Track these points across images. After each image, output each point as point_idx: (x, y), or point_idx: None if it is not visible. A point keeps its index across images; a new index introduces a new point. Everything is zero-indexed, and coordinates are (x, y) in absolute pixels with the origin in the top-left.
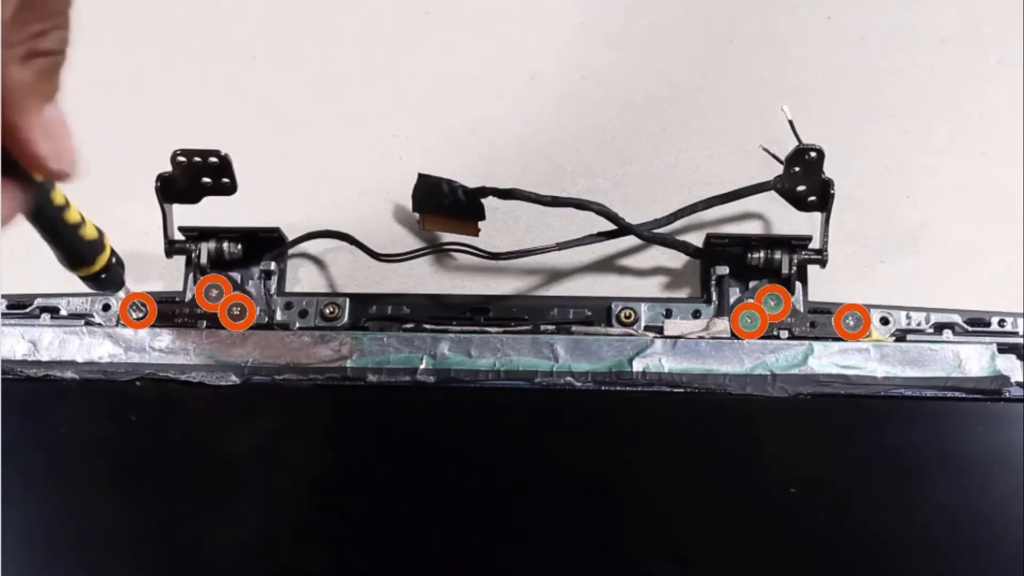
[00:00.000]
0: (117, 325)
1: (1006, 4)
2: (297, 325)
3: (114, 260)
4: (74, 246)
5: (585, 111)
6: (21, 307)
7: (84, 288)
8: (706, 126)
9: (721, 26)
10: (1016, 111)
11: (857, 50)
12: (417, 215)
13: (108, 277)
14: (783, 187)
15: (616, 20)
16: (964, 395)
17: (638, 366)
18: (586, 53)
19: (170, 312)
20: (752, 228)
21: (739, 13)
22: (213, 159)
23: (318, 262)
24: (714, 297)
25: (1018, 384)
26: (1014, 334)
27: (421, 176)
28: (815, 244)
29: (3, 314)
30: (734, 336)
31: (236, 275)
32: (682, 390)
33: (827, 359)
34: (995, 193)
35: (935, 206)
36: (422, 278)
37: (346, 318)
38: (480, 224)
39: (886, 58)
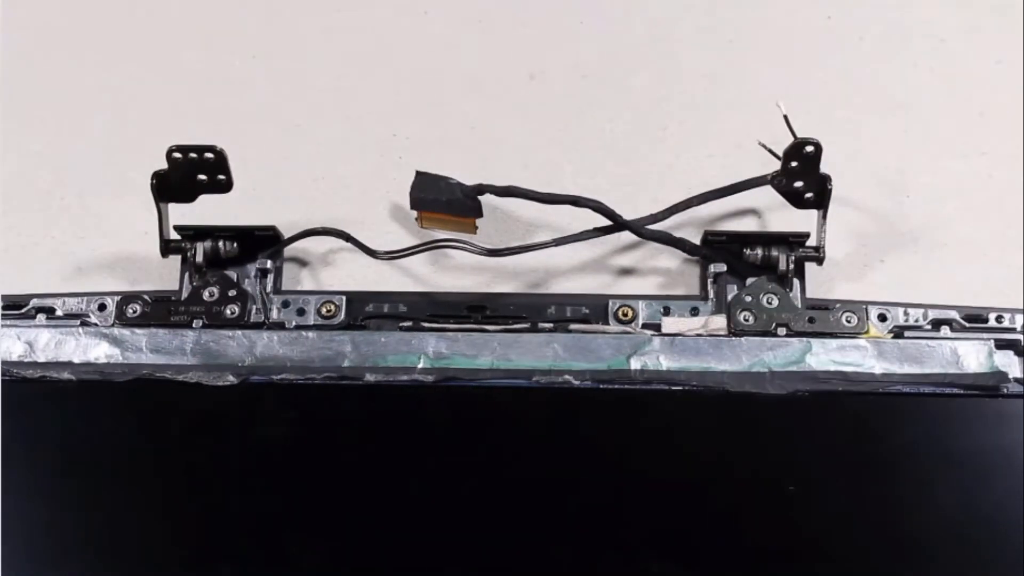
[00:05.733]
0: (113, 325)
1: (1006, 4)
2: (294, 324)
3: None
4: None
5: (585, 111)
6: (17, 307)
7: (80, 288)
8: (706, 126)
9: (721, 26)
10: (1016, 111)
11: (857, 50)
12: (415, 213)
13: None
14: (780, 183)
15: (616, 20)
16: (962, 391)
17: (636, 364)
18: (586, 53)
19: (166, 312)
20: (750, 225)
21: (739, 13)
22: (209, 155)
23: (315, 260)
24: (712, 294)
25: (1016, 380)
26: (1012, 330)
27: (419, 173)
28: (812, 241)
29: None
30: (732, 333)
31: (232, 274)
32: (680, 388)
33: (825, 356)
34: (995, 192)
35: (935, 205)
36: (419, 276)
37: (343, 316)
38: (478, 222)
39: (886, 58)
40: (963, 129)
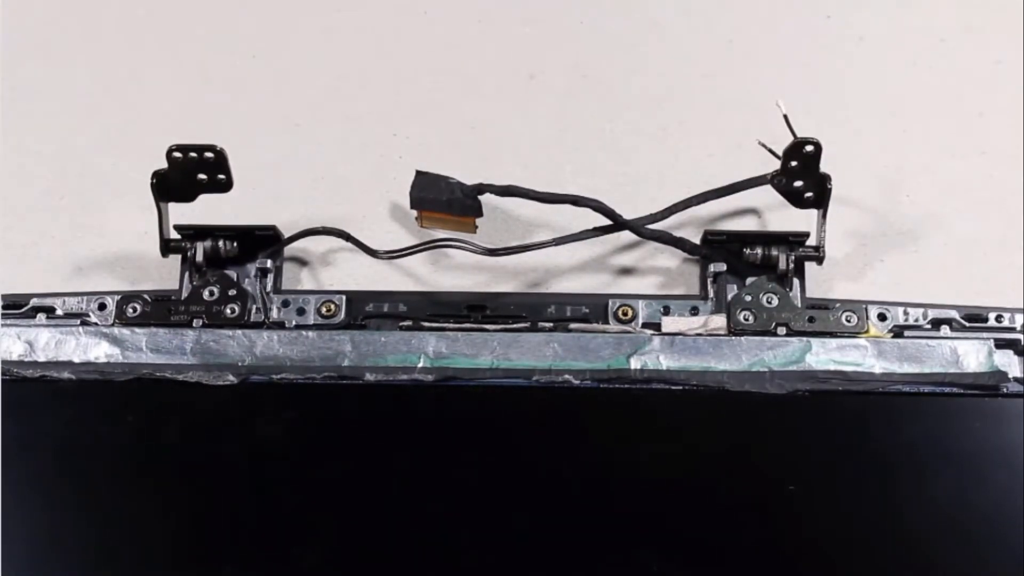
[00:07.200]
0: (113, 325)
1: (1006, 4)
2: (294, 323)
3: None
4: None
5: (585, 111)
6: (17, 307)
7: (80, 288)
8: (705, 126)
9: (721, 26)
10: (1016, 110)
11: (857, 50)
12: (415, 213)
13: None
14: (780, 183)
15: (616, 20)
16: (962, 391)
17: (636, 363)
18: (586, 53)
19: (166, 311)
20: (750, 225)
21: (739, 13)
22: (209, 154)
23: (315, 260)
24: (711, 294)
25: (1015, 379)
26: (1011, 329)
27: (419, 173)
28: (812, 241)
29: None
30: (732, 333)
31: (232, 273)
32: (680, 387)
33: (825, 355)
34: (994, 191)
35: (935, 205)
36: (419, 276)
37: (343, 316)
38: (478, 222)
39: (886, 58)
40: (963, 129)
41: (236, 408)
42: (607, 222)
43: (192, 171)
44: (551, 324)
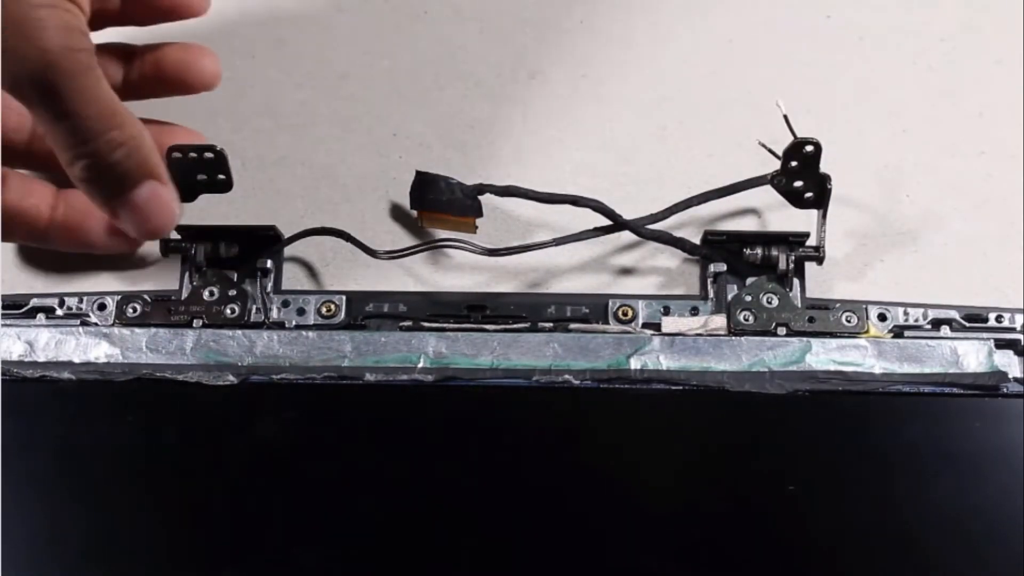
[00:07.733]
0: (113, 325)
1: (1006, 4)
2: (294, 323)
3: None
4: None
5: (585, 111)
6: (17, 307)
7: (79, 288)
8: (705, 125)
9: (721, 26)
10: (1016, 110)
11: (857, 49)
12: (415, 213)
13: None
14: (780, 183)
15: (616, 20)
16: (962, 391)
17: (636, 363)
18: (586, 53)
19: (166, 311)
20: (750, 225)
21: (738, 12)
22: (209, 154)
23: (315, 260)
24: (711, 294)
25: (1016, 380)
26: (1011, 330)
27: (419, 173)
28: (812, 241)
29: None
30: (732, 333)
31: (232, 274)
32: (680, 387)
33: (825, 355)
34: (994, 191)
35: (934, 204)
36: (419, 276)
37: (343, 316)
38: (478, 222)
39: (886, 57)
40: (963, 129)
41: (236, 408)
42: (607, 222)
43: (192, 171)
44: (551, 324)
